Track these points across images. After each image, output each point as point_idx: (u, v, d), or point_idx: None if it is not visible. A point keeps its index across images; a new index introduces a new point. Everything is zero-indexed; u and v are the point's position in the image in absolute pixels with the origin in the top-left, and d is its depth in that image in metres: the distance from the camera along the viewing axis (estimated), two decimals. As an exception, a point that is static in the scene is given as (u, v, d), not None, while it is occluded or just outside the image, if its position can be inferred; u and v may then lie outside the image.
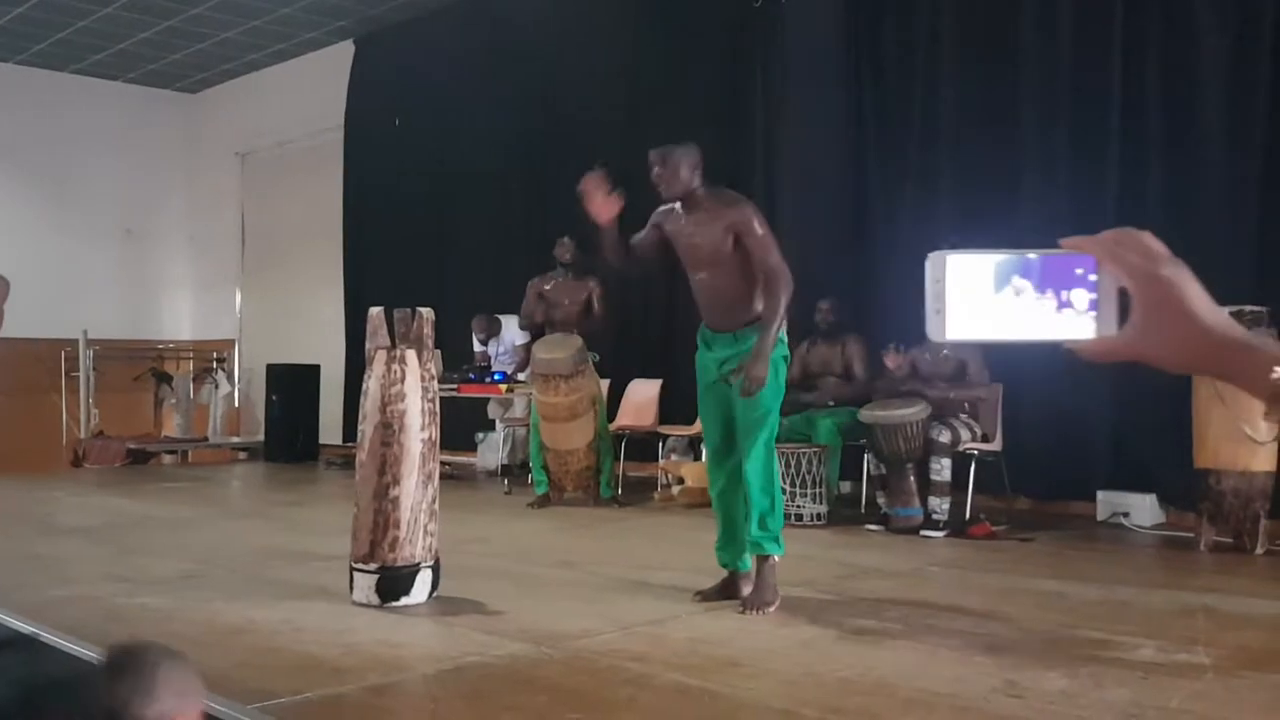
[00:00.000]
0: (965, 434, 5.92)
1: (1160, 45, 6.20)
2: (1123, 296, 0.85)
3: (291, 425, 10.75)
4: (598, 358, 7.09)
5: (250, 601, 4.18)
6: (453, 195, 10.08)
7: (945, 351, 6.07)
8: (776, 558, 4.03)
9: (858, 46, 7.43)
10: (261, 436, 11.29)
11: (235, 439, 12.07)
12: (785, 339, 4.15)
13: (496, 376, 7.93)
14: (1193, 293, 0.83)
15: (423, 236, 10.35)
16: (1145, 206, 6.18)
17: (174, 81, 12.76)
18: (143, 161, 12.95)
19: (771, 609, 3.94)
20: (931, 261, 0.86)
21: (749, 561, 4.13)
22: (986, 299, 0.86)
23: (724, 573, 4.24)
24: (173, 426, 12.29)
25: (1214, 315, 0.83)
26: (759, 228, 4.12)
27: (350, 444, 11.02)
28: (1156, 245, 0.84)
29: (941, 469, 5.79)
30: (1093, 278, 0.86)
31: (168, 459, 11.42)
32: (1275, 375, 0.81)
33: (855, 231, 7.30)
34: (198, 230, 13.34)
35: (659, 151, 4.28)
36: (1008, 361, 5.98)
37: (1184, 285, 0.83)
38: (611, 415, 7.66)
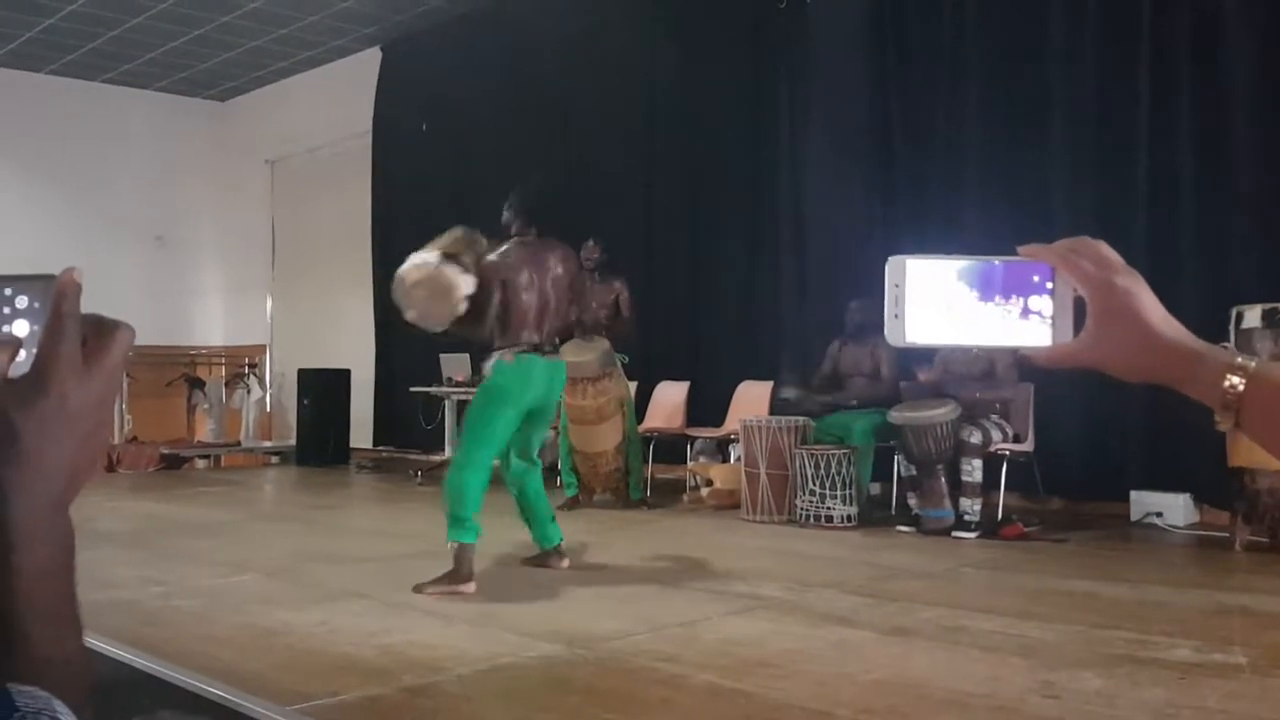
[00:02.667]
0: (996, 434, 5.89)
1: (1189, 41, 6.15)
2: (1078, 304, 0.86)
3: (323, 429, 10.83)
4: (626, 359, 7.11)
5: (286, 604, 4.23)
6: (479, 199, 10.08)
7: (975, 351, 6.04)
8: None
9: (883, 47, 7.42)
10: (293, 441, 11.39)
11: (267, 443, 12.18)
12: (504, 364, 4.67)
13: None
14: (1146, 301, 0.83)
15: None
16: (1177, 204, 6.14)
17: (204, 89, 12.89)
18: (173, 169, 13.08)
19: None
20: (890, 266, 0.88)
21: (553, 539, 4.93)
22: (945, 304, 0.88)
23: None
24: (205, 431, 12.42)
25: (1166, 324, 0.83)
26: None
27: (380, 448, 11.14)
28: (1110, 254, 0.85)
29: (972, 470, 5.77)
30: (1049, 285, 0.87)
31: (200, 464, 11.53)
32: (1228, 383, 0.81)
33: (883, 232, 7.27)
34: (228, 237, 13.46)
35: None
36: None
37: (1137, 294, 0.83)
38: (640, 417, 7.67)
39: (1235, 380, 0.81)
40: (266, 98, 12.81)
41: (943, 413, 5.78)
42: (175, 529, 6.66)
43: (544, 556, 4.97)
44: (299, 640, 3.67)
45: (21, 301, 0.68)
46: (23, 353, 0.66)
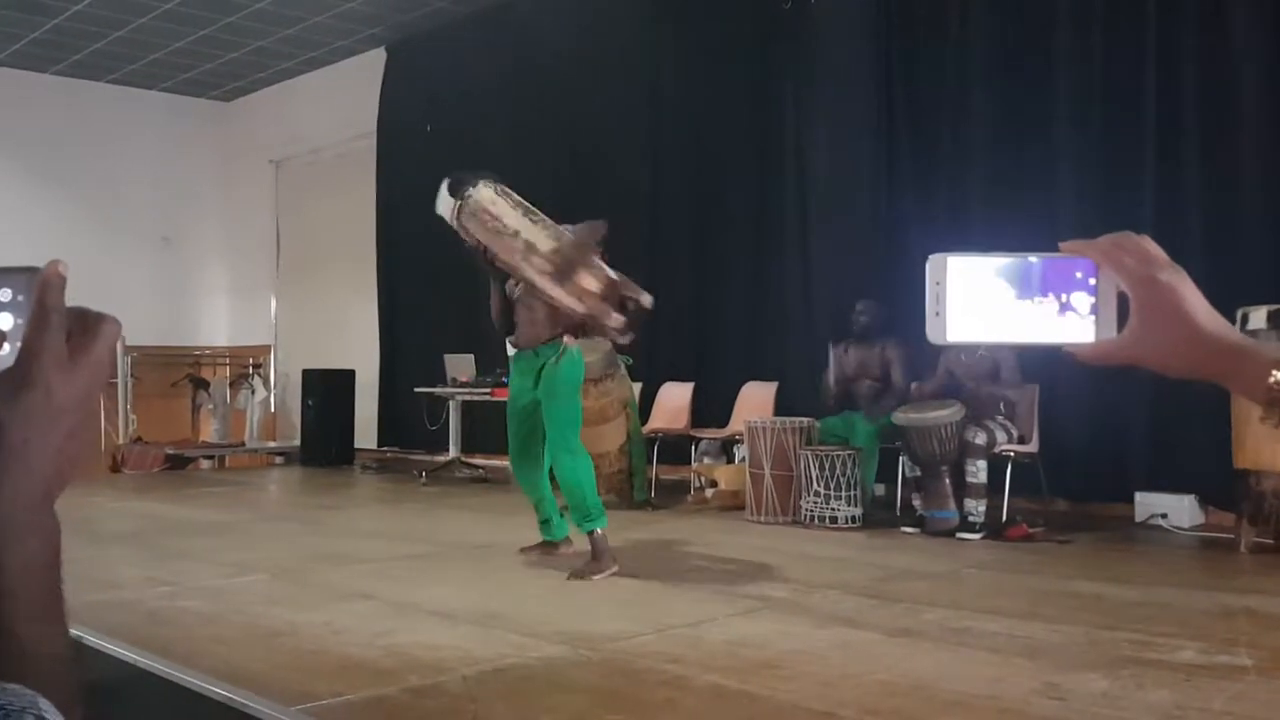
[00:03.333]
0: (1001, 436, 5.89)
1: (1195, 37, 6.14)
2: (1122, 301, 0.85)
3: (327, 430, 10.85)
4: (630, 361, 7.10)
5: (290, 604, 4.23)
6: (484, 200, 10.11)
7: (980, 353, 6.04)
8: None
9: (888, 47, 7.41)
10: (297, 441, 11.40)
11: (272, 444, 12.19)
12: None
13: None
14: (1190, 297, 0.83)
15: (456, 241, 10.37)
16: (1182, 204, 6.13)
17: (208, 90, 12.91)
18: (178, 170, 13.09)
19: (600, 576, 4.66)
20: (931, 264, 0.87)
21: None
22: (986, 301, 0.87)
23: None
24: (210, 432, 12.42)
25: (1211, 319, 0.83)
26: None
27: (385, 448, 11.14)
28: (1155, 249, 0.85)
29: (977, 471, 5.76)
30: (1092, 281, 0.87)
31: (205, 464, 11.54)
32: (1273, 379, 0.80)
33: (888, 233, 7.27)
34: (233, 237, 13.48)
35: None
36: (1044, 362, 5.99)
37: (1181, 289, 0.83)
38: (644, 418, 7.67)
39: None
40: (271, 98, 12.82)
41: (947, 414, 5.78)
42: (180, 529, 6.66)
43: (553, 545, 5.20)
44: (304, 640, 3.67)
45: (5, 294, 0.67)
46: (6, 346, 0.65)
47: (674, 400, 8.04)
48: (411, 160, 10.95)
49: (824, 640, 3.62)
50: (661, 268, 8.59)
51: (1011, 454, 5.95)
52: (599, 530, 4.78)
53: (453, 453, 9.51)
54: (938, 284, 0.87)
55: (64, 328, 0.65)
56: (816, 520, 6.15)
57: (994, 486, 5.88)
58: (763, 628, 3.80)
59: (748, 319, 8.19)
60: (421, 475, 9.08)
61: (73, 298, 0.69)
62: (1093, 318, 0.87)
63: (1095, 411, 6.30)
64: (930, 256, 0.87)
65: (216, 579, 4.90)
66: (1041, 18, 6.70)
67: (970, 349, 5.94)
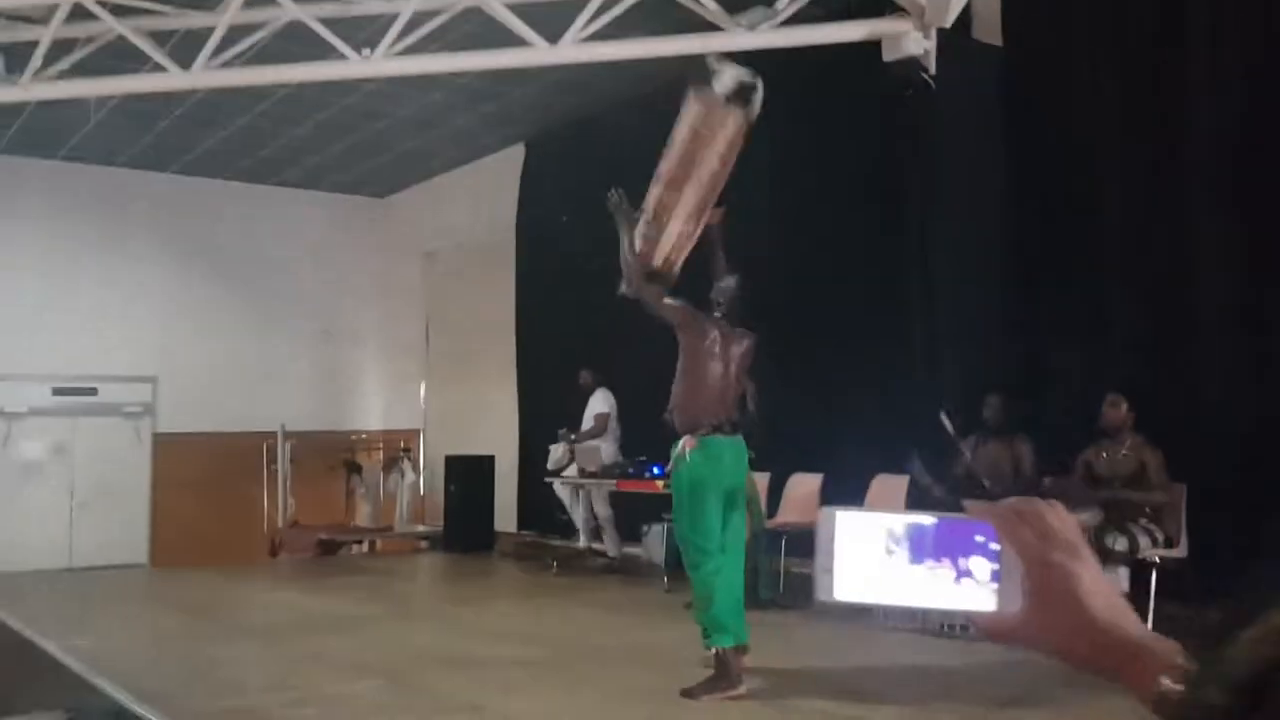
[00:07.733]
0: (1144, 540, 5.53)
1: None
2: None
3: (468, 514, 11.06)
4: (753, 455, 6.99)
5: (397, 714, 4.28)
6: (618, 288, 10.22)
7: (1124, 452, 5.75)
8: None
9: (1015, 129, 7.19)
10: (442, 525, 11.66)
11: (420, 528, 12.49)
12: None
13: (655, 471, 7.92)
14: (1087, 582, 0.77)
15: (593, 329, 10.52)
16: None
17: (363, 188, 13.55)
18: (336, 264, 13.73)
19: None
20: (822, 516, 0.84)
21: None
22: (875, 562, 0.82)
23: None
24: (363, 515, 12.82)
25: (1109, 609, 0.77)
26: None
27: (525, 532, 11.26)
28: (1056, 523, 0.79)
29: (1117, 579, 5.41)
30: (994, 547, 0.81)
31: (356, 549, 11.90)
32: (1163, 685, 0.73)
33: (1020, 317, 7.00)
34: (386, 327, 14.01)
35: None
36: (1195, 455, 5.66)
37: (1077, 574, 0.77)
38: (772, 511, 7.53)
39: (1169, 683, 0.73)
40: (421, 194, 13.35)
41: (1083, 519, 5.47)
42: (315, 624, 6.84)
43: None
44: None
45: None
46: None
47: (802, 491, 7.87)
48: (548, 250, 11.20)
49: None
50: (787, 354, 8.49)
51: (1157, 560, 5.57)
52: (721, 649, 4.53)
53: (583, 542, 9.54)
54: (828, 540, 0.83)
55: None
56: (947, 628, 5.88)
57: (1139, 594, 5.51)
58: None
59: (877, 405, 7.97)
60: (553, 565, 9.13)
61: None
62: (993, 585, 0.80)
63: (1251, 508, 5.84)
64: (821, 509, 0.84)
65: (337, 683, 5.01)
66: (1173, 91, 6.37)
67: (1072, 483, 5.68)
